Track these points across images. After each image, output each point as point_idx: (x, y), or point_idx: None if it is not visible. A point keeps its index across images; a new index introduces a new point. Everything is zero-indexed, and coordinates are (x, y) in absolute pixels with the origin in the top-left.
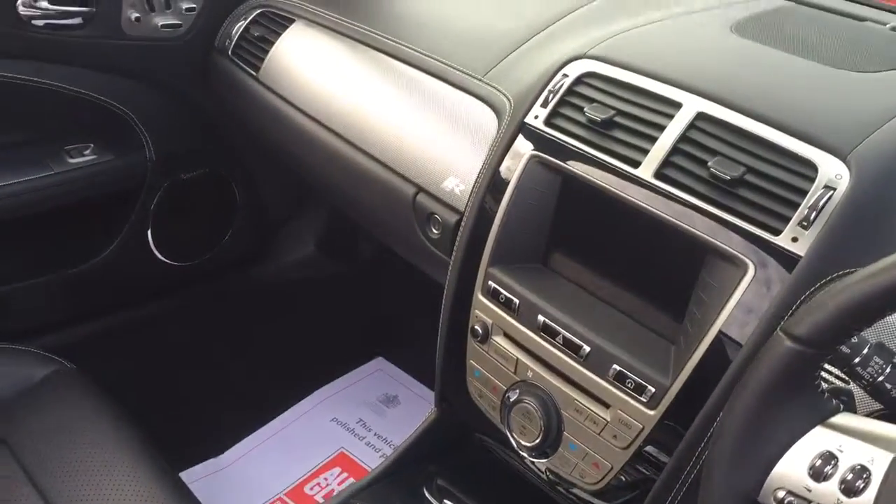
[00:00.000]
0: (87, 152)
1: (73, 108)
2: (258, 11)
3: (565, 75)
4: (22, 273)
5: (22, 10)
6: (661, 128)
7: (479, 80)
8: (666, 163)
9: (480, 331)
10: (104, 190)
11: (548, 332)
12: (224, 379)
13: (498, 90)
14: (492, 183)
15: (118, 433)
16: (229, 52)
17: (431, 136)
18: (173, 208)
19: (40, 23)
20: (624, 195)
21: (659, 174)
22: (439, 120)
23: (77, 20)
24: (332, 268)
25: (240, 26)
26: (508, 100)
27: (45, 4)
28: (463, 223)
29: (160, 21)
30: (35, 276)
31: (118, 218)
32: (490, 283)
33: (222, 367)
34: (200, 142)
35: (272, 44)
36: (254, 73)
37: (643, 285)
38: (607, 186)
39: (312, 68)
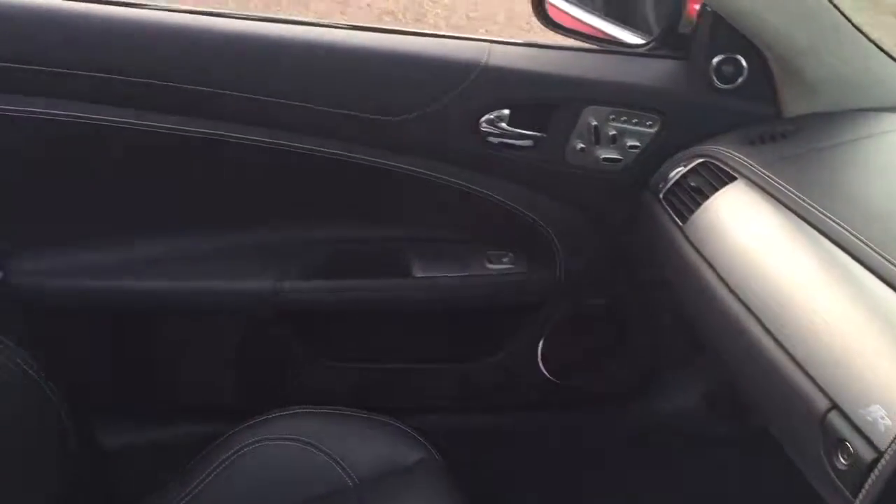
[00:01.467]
0: (505, 260)
1: (502, 217)
2: (699, 161)
3: None
4: (414, 355)
5: (484, 126)
6: None
7: None
8: None
9: None
10: (511, 298)
11: None
12: None
13: None
14: None
15: None
16: (660, 196)
17: (860, 347)
18: (568, 328)
19: (495, 140)
20: None
21: None
22: (878, 333)
23: (528, 142)
24: (717, 427)
25: (677, 172)
26: None
27: (504, 126)
28: (879, 467)
29: (602, 154)
30: (427, 361)
31: (515, 326)
32: None
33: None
34: (610, 272)
35: (707, 197)
36: (679, 223)
37: None
38: None
39: (743, 236)
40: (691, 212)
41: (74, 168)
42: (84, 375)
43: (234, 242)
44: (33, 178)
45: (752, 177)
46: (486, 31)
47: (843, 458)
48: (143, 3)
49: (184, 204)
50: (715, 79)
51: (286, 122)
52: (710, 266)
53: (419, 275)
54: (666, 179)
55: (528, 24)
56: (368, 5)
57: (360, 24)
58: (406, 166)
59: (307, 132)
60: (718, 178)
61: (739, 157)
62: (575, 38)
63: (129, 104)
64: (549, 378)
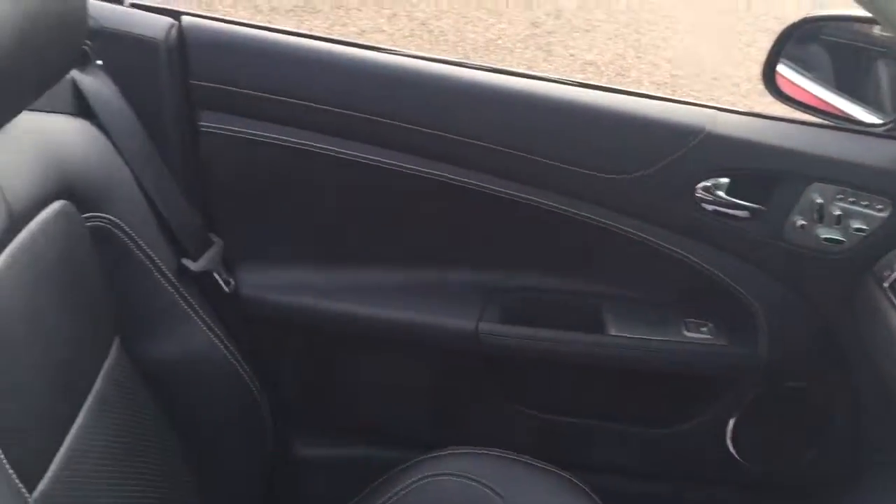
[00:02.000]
0: (703, 330)
1: (707, 285)
2: None
3: None
4: (600, 412)
5: (700, 192)
6: None
7: None
8: None
9: None
10: (706, 369)
11: None
12: None
13: None
14: None
15: None
16: (885, 284)
17: None
18: (763, 408)
19: (710, 208)
20: None
21: None
22: None
23: (744, 213)
24: None
25: None
26: None
27: (721, 194)
28: None
29: (824, 234)
30: (613, 420)
31: (707, 398)
32: None
33: None
34: (816, 354)
35: None
36: None
37: None
38: None
39: None
40: None
41: (309, 193)
42: (288, 386)
43: (442, 280)
44: (269, 197)
45: None
46: (691, 90)
47: None
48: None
49: (406, 239)
50: None
51: (513, 172)
52: None
53: (614, 332)
54: (893, 268)
55: (734, 85)
56: (572, 56)
57: (590, 83)
58: (617, 224)
59: (528, 182)
60: None
61: None
62: (805, 112)
63: (373, 141)
64: (736, 457)
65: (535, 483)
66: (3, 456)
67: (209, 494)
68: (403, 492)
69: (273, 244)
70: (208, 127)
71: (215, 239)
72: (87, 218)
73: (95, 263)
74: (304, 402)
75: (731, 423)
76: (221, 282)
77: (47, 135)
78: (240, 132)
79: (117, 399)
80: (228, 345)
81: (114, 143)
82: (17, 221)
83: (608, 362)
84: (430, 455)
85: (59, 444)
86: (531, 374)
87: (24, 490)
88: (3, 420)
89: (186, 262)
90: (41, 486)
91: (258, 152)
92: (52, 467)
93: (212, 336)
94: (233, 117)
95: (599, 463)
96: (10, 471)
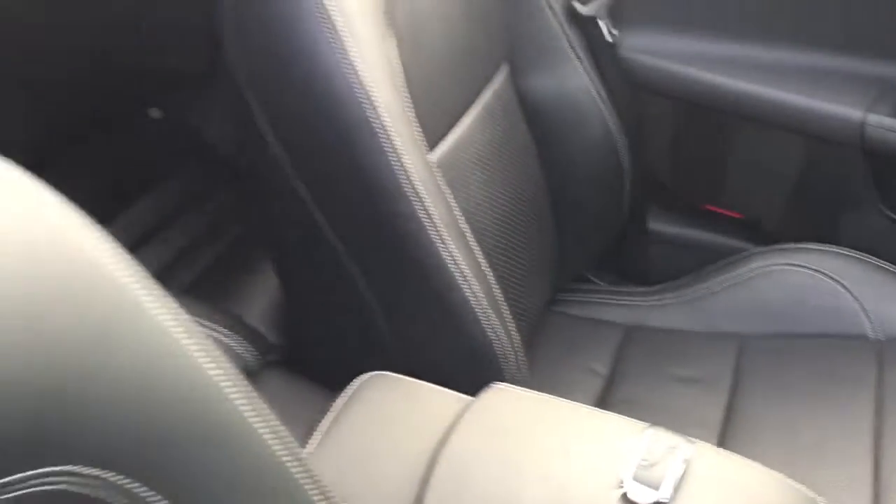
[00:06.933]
0: None
1: None
2: None
3: None
4: None
5: None
6: None
7: None
8: None
9: None
10: None
11: None
12: None
13: None
14: None
15: None
16: None
17: None
18: None
19: None
20: None
21: None
22: None
23: None
24: None
25: None
26: None
27: None
28: None
29: None
30: None
31: None
32: None
33: None
34: None
35: None
36: None
37: None
38: None
39: None
40: None
41: None
42: (652, 152)
43: (828, 65)
44: None
45: None
46: None
47: None
48: None
49: (793, 15)
50: None
51: None
52: None
53: None
54: None
55: None
56: None
57: None
58: None
59: None
60: None
61: None
62: None
63: None
64: None
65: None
66: (412, 108)
67: (563, 237)
68: (750, 275)
69: (666, 6)
70: None
71: None
72: None
73: None
74: (664, 174)
75: None
76: (606, 31)
77: None
78: None
79: (498, 114)
80: (602, 93)
81: None
82: None
83: None
84: (772, 247)
85: (450, 127)
86: None
87: (425, 144)
88: (416, 75)
89: (576, 3)
90: (438, 149)
91: None
92: (445, 141)
93: (588, 81)
94: None
95: None
96: (416, 124)
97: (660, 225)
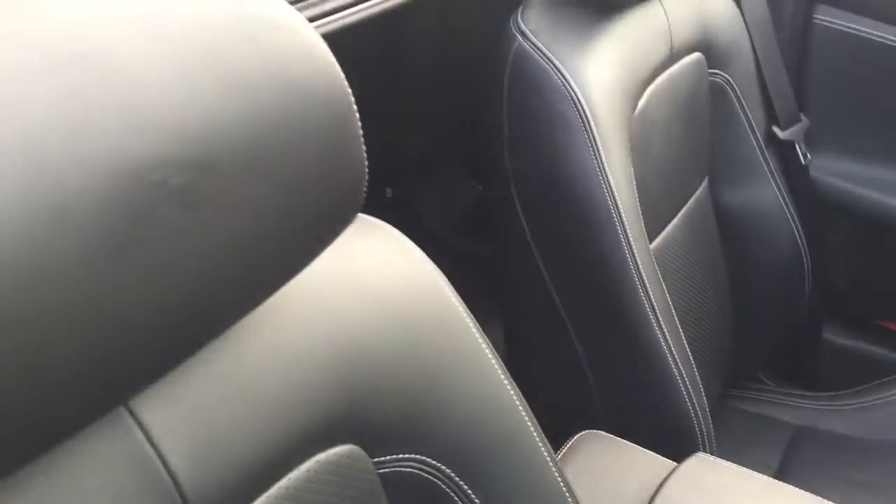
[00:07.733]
0: None
1: None
2: None
3: None
4: None
5: None
6: None
7: None
8: None
9: None
10: None
11: None
12: None
13: None
14: None
15: None
16: None
17: None
18: None
19: None
20: None
21: None
22: None
23: None
24: None
25: None
26: None
27: None
28: None
29: None
30: None
31: None
32: None
33: None
34: None
35: None
36: None
37: None
38: None
39: None
40: None
41: None
42: (834, 269)
43: None
44: (864, 92)
45: None
46: None
47: None
48: None
49: None
50: None
51: None
52: None
53: None
54: None
55: None
56: None
57: None
58: None
59: None
60: None
61: None
62: None
63: None
64: None
65: None
66: (637, 201)
67: (740, 336)
68: None
69: (856, 136)
70: (822, 20)
71: (803, 117)
72: (710, 73)
73: (708, 110)
74: (842, 287)
75: None
76: (801, 154)
77: None
78: (851, 28)
79: (696, 219)
80: (792, 209)
81: (741, 9)
82: (675, 57)
83: None
84: None
85: (658, 233)
86: None
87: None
88: (641, 179)
89: (776, 129)
90: (656, 241)
91: (864, 49)
92: (664, 232)
93: (780, 199)
94: (847, 13)
95: None
96: (641, 214)
97: (833, 335)
